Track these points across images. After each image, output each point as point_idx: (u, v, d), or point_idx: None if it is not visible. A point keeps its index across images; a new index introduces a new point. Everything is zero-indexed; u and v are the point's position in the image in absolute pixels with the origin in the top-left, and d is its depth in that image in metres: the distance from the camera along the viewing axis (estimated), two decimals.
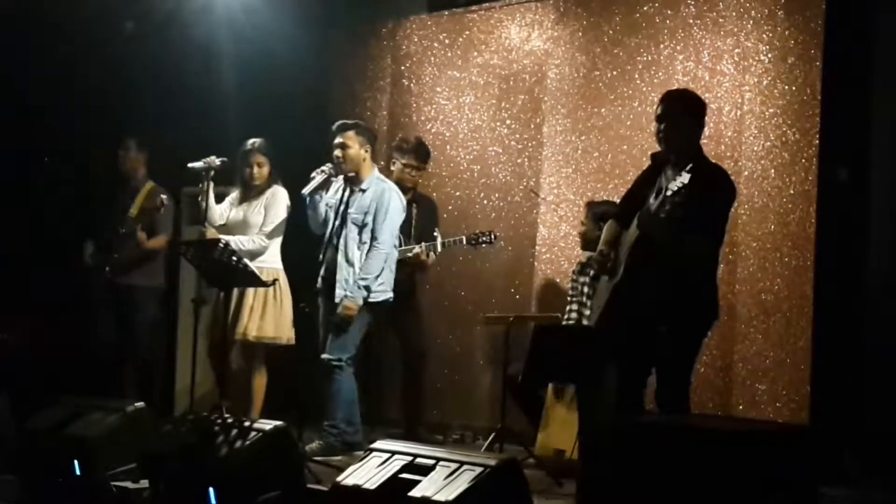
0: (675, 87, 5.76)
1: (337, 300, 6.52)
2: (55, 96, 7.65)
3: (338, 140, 6.67)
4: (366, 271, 6.52)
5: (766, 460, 4.07)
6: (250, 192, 6.95)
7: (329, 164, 6.63)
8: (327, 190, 6.72)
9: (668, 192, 5.07)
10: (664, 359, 5.16)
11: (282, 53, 8.02)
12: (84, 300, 7.42)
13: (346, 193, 6.70)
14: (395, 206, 6.63)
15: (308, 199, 6.66)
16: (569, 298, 6.86)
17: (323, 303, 6.71)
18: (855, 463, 6.15)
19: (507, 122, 7.93)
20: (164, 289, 7.53)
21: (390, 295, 6.68)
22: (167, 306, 7.78)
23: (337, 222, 6.65)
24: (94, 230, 7.43)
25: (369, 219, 6.58)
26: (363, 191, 6.64)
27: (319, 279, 6.73)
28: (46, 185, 7.77)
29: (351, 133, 6.69)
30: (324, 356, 6.56)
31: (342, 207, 6.66)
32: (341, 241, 6.62)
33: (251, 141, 6.94)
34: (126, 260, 7.24)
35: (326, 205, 6.73)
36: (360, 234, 6.59)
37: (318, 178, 6.59)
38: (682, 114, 5.29)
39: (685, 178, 5.03)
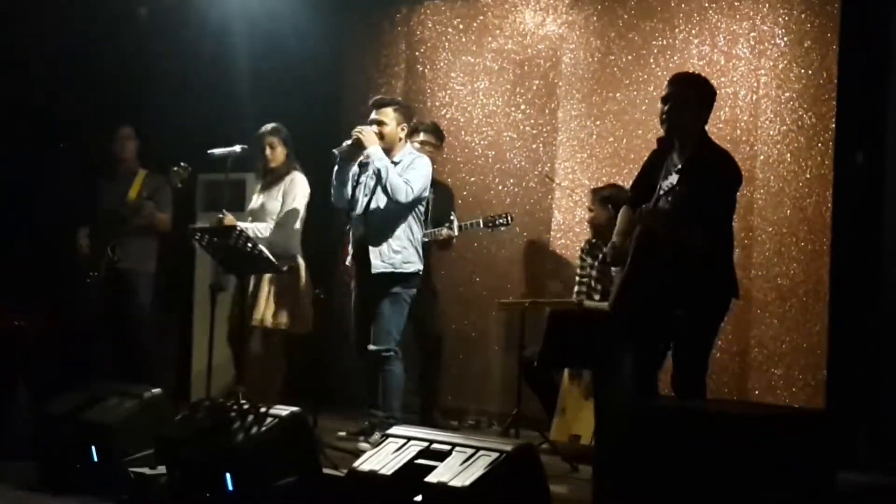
0: (692, 71, 5.73)
1: (374, 270, 6.30)
2: (67, 84, 7.66)
3: (374, 116, 6.42)
4: (397, 172, 6.24)
5: (782, 445, 4.07)
6: (270, 179, 6.95)
7: (347, 141, 6.33)
8: (357, 162, 6.41)
9: (661, 192, 5.07)
10: (681, 343, 5.15)
11: (296, 40, 8.01)
12: (82, 287, 7.41)
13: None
14: (425, 168, 6.37)
15: (337, 167, 6.38)
16: (577, 279, 6.85)
17: (355, 287, 6.55)
18: (871, 448, 6.15)
19: (522, 107, 7.92)
20: (155, 274, 7.53)
21: (420, 266, 6.46)
22: (164, 291, 7.78)
23: (368, 198, 6.39)
24: (86, 218, 7.45)
25: (393, 177, 6.27)
26: (396, 163, 6.36)
27: (349, 259, 6.55)
28: (59, 171, 7.79)
29: (389, 110, 6.42)
30: (372, 347, 6.34)
31: (374, 185, 6.38)
32: (370, 214, 6.37)
33: (265, 125, 6.94)
34: (128, 239, 7.28)
35: (355, 181, 6.46)
36: (394, 202, 6.29)
37: (349, 141, 6.29)
38: (688, 97, 5.23)
39: (679, 160, 5.04)
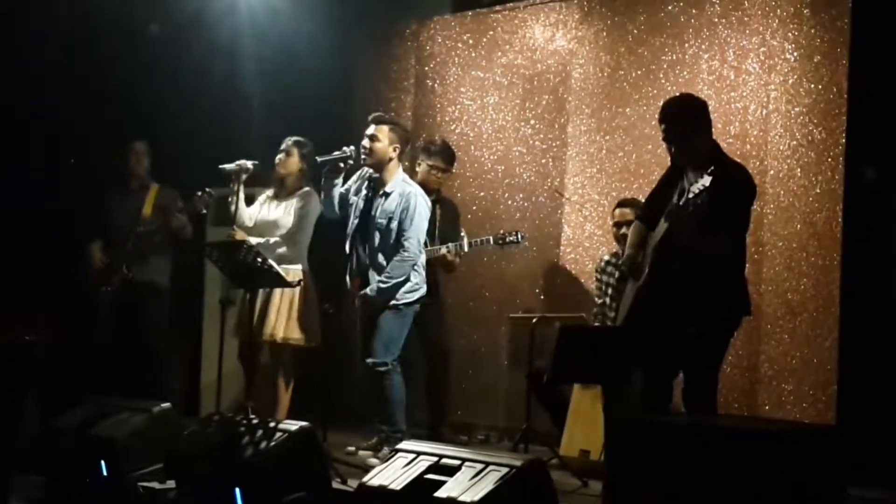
0: (673, 97, 5.73)
1: (375, 306, 6.44)
2: (79, 98, 7.67)
3: (369, 131, 6.50)
4: (388, 274, 6.36)
5: (792, 461, 4.06)
6: (282, 192, 6.95)
7: (352, 147, 6.45)
8: (343, 176, 6.54)
9: (691, 195, 5.08)
10: (691, 358, 5.15)
11: (306, 55, 8.03)
12: (94, 301, 7.43)
13: (370, 195, 6.54)
14: (421, 210, 6.47)
15: (323, 178, 6.51)
16: (595, 299, 6.87)
17: (359, 307, 6.59)
18: (882, 464, 6.12)
19: (532, 122, 7.92)
20: (170, 288, 7.55)
21: (423, 290, 6.55)
22: (174, 305, 7.79)
23: (360, 226, 6.50)
24: (100, 231, 7.46)
25: (394, 224, 6.41)
26: (387, 194, 6.47)
27: (348, 280, 6.62)
28: (69, 185, 7.80)
29: (384, 127, 6.51)
30: (369, 361, 6.42)
31: (364, 209, 6.51)
32: (367, 247, 6.49)
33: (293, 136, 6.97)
34: (144, 256, 7.29)
35: (344, 198, 6.57)
36: (384, 239, 6.43)
37: (336, 154, 6.43)
38: (683, 128, 5.29)
39: (707, 180, 5.03)
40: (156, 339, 7.41)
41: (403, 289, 6.43)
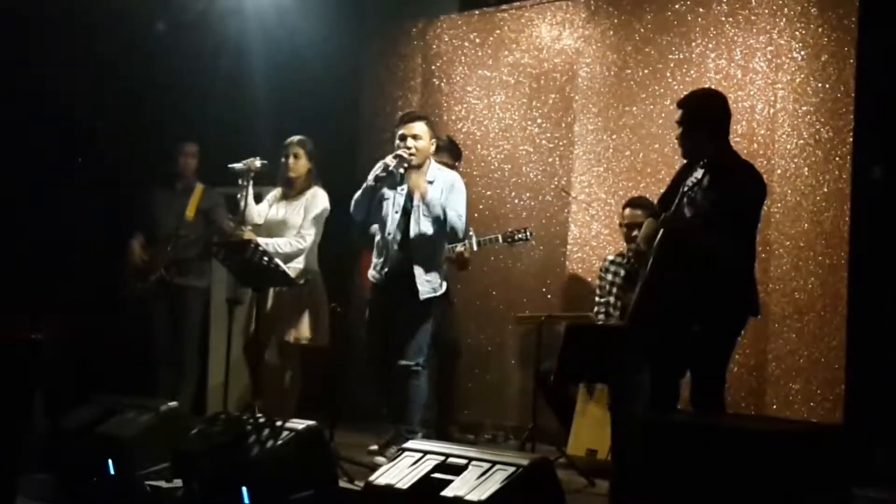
0: (701, 88, 5.73)
1: (422, 297, 6.31)
2: (87, 98, 7.68)
3: (406, 130, 6.37)
4: (457, 213, 6.34)
5: (799, 460, 4.06)
6: (291, 191, 6.95)
7: (390, 158, 6.32)
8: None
9: (685, 188, 5.09)
10: (698, 358, 5.14)
11: (313, 54, 8.03)
12: (120, 298, 7.44)
13: (408, 189, 6.38)
14: (463, 190, 6.47)
15: (373, 186, 6.34)
16: (596, 298, 6.86)
17: (380, 304, 6.48)
18: (889, 463, 6.12)
19: (538, 121, 7.92)
20: (208, 290, 7.56)
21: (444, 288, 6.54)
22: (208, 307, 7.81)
23: (401, 219, 6.38)
24: (141, 229, 7.44)
25: (439, 210, 6.30)
26: (430, 183, 6.37)
27: (378, 278, 6.46)
28: (79, 185, 7.81)
29: (422, 124, 6.41)
30: (402, 362, 6.33)
31: (407, 203, 6.38)
32: (412, 239, 6.34)
33: (294, 136, 6.96)
34: (185, 259, 7.30)
35: (382, 196, 6.44)
36: (436, 227, 6.33)
37: (385, 174, 6.31)
38: (697, 118, 5.29)
39: (699, 173, 5.04)
40: (189, 343, 7.40)
41: (434, 284, 6.37)
